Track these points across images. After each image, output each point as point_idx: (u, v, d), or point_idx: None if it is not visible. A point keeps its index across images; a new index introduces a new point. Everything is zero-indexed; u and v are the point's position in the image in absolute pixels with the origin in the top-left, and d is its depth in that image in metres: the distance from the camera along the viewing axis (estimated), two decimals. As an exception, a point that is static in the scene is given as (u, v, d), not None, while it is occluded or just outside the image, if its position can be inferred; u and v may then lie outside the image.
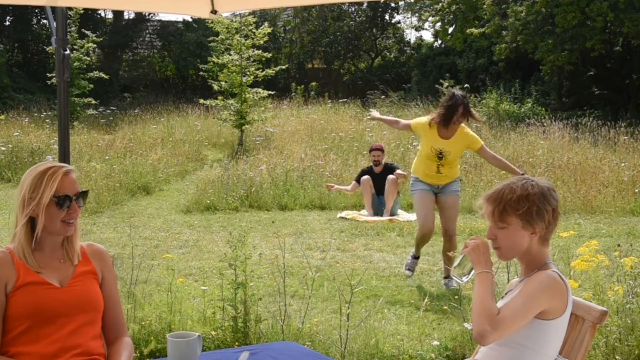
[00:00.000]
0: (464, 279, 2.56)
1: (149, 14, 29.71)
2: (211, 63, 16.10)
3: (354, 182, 9.93)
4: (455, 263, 2.60)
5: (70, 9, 16.31)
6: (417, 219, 6.38)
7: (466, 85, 7.70)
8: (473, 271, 2.51)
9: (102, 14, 30.15)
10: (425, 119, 6.26)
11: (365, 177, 9.62)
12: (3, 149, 12.70)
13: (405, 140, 14.30)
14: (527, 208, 2.43)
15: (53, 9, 3.66)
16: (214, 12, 3.29)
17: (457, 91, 6.14)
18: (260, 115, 15.39)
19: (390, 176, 9.45)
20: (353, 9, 30.05)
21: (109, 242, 7.75)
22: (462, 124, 6.11)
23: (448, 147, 6.05)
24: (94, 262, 2.62)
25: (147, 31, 30.04)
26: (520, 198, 2.44)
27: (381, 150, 9.80)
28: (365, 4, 29.87)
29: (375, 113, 6.84)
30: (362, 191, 9.71)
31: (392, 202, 9.44)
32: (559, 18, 17.68)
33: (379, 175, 9.59)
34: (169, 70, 29.69)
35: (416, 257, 6.52)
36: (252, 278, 4.77)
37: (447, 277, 6.23)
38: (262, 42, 15.17)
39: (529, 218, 2.44)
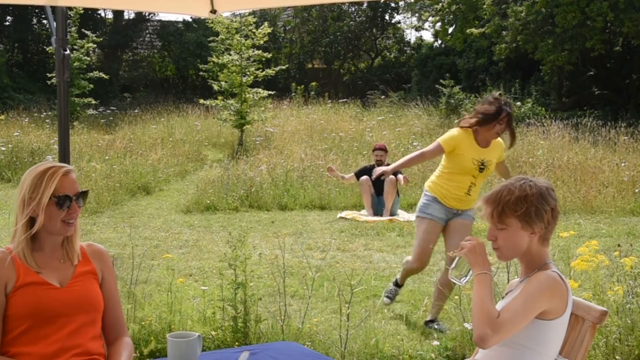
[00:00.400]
0: (463, 280, 2.55)
1: (149, 14, 29.72)
2: (211, 63, 16.11)
3: (352, 174, 9.89)
4: (452, 265, 2.58)
5: (70, 9, 16.31)
6: (415, 247, 5.40)
7: (499, 92, 6.23)
8: (471, 272, 2.51)
9: (102, 14, 30.17)
10: (456, 129, 5.22)
11: (364, 177, 9.59)
12: (3, 149, 12.70)
13: (405, 140, 14.31)
14: (525, 209, 2.43)
15: (53, 9, 3.66)
16: (213, 11, 3.29)
17: (501, 97, 5.22)
18: (260, 115, 15.39)
19: (390, 176, 9.43)
20: (353, 9, 30.05)
21: (109, 242, 7.75)
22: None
23: (489, 156, 5.16)
24: (94, 262, 2.62)
25: (147, 31, 30.05)
26: (519, 199, 2.44)
27: (384, 150, 9.78)
28: (365, 4, 29.87)
29: (380, 170, 5.41)
30: (361, 192, 9.70)
31: (392, 202, 9.43)
32: (559, 18, 17.68)
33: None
34: (169, 70, 29.70)
35: (399, 286, 5.63)
36: (252, 278, 4.78)
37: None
38: (262, 42, 15.18)
39: (527, 219, 2.44)
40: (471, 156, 5.11)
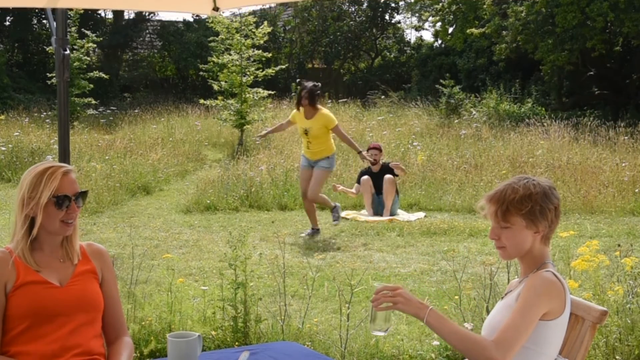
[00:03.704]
0: (388, 330, 2.45)
1: (149, 14, 29.73)
2: (211, 63, 16.09)
3: (356, 184, 9.89)
4: (370, 319, 2.44)
5: (70, 8, 16.29)
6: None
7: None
8: (392, 319, 2.41)
9: (102, 14, 30.17)
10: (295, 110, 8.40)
11: (365, 177, 9.62)
12: (3, 149, 12.70)
13: (405, 140, 14.31)
14: (530, 207, 2.43)
15: (53, 9, 3.66)
16: (216, 9, 3.29)
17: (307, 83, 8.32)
18: (260, 115, 15.38)
19: (387, 176, 9.44)
20: (353, 9, 30.04)
21: (109, 242, 7.75)
22: (321, 107, 8.36)
23: (310, 124, 8.15)
24: (93, 261, 2.62)
25: (147, 31, 30.03)
26: (523, 198, 2.43)
27: (378, 149, 9.78)
28: (366, 4, 29.85)
29: (262, 132, 9.71)
30: (362, 191, 9.70)
31: (391, 201, 9.43)
32: (559, 18, 17.68)
33: (377, 175, 9.59)
34: (169, 70, 29.70)
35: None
36: (252, 278, 4.78)
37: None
38: (262, 42, 15.17)
39: (532, 217, 2.44)
40: (299, 125, 8.30)
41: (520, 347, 2.41)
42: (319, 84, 8.49)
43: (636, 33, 17.32)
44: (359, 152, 8.71)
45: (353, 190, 9.90)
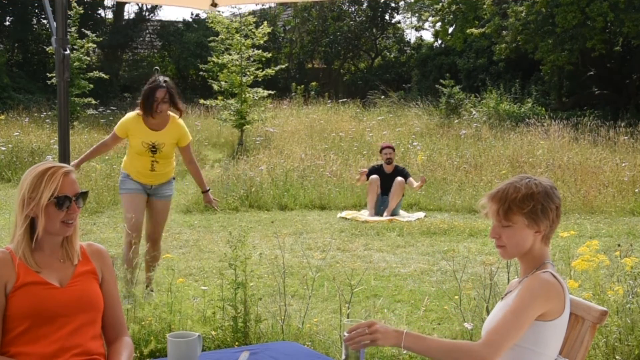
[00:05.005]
0: None
1: (149, 13, 29.72)
2: (211, 63, 16.09)
3: (365, 176, 9.80)
4: (343, 357, 2.39)
5: (70, 8, 16.28)
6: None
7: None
8: (363, 352, 2.38)
9: (102, 14, 30.17)
10: (130, 114, 5.73)
11: (374, 176, 9.58)
12: (3, 149, 12.70)
13: (405, 140, 14.31)
14: (532, 206, 2.43)
15: (53, 8, 3.65)
16: (214, 5, 3.32)
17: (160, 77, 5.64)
18: (260, 115, 15.39)
19: (399, 178, 9.44)
20: (353, 9, 30.04)
21: (109, 242, 7.75)
22: (174, 115, 5.71)
23: (161, 138, 5.68)
24: (93, 261, 2.62)
25: (147, 31, 30.04)
26: (525, 197, 2.44)
27: (392, 148, 9.81)
28: (366, 4, 29.83)
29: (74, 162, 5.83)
30: (368, 190, 9.65)
31: (396, 203, 9.44)
32: (559, 18, 17.68)
33: (388, 176, 9.57)
34: (169, 70, 29.67)
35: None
36: (252, 278, 4.77)
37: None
38: (262, 41, 15.18)
39: (534, 217, 2.44)
40: (141, 139, 5.59)
41: (520, 348, 2.41)
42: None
43: (636, 33, 17.32)
44: (205, 191, 6.38)
45: (362, 178, 9.77)
